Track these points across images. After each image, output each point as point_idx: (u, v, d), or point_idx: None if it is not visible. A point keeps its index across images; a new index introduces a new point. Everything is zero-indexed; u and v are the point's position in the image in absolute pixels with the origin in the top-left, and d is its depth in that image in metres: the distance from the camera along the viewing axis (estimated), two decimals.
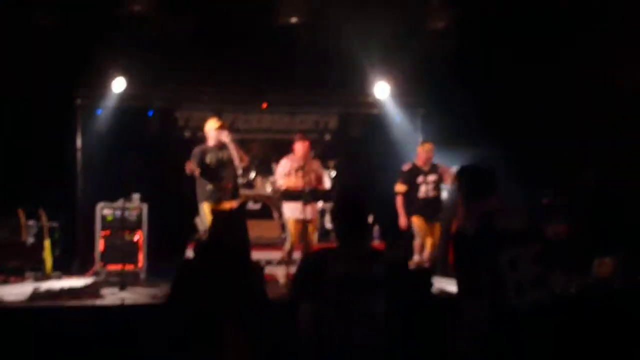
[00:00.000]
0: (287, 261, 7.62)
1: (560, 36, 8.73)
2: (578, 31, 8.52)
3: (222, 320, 3.66)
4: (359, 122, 11.10)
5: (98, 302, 6.47)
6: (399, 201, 8.37)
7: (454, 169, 8.65)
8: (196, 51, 9.27)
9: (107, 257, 8.45)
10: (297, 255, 7.59)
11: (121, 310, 6.18)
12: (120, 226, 8.55)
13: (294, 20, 8.73)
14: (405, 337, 3.37)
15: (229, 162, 7.56)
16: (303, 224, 7.59)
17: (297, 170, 7.66)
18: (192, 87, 10.17)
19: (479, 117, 9.54)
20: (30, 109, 9.16)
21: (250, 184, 9.59)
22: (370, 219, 8.20)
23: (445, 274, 7.70)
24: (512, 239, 3.39)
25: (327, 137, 11.39)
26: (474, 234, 3.44)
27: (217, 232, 4.16)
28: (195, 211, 8.91)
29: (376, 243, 9.14)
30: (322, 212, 9.11)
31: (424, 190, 8.38)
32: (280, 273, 7.85)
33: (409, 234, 8.46)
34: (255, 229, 8.58)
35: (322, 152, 10.16)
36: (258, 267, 4.42)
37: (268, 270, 8.36)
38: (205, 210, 7.41)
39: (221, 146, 7.62)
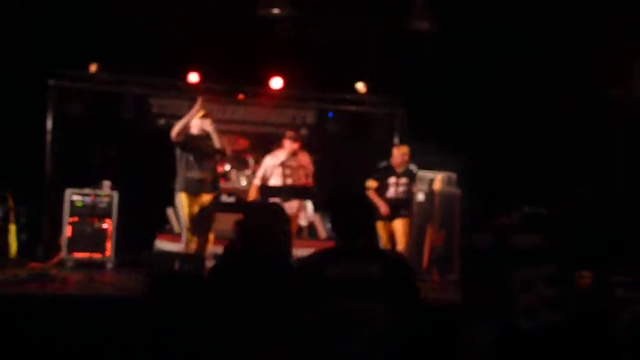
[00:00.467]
0: None
1: (553, 38, 8.54)
2: (571, 34, 8.38)
3: (255, 324, 3.34)
4: (337, 118, 10.97)
5: (65, 290, 6.30)
6: (371, 195, 8.24)
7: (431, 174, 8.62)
8: (173, 39, 9.07)
9: (74, 245, 8.27)
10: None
11: (89, 300, 6.02)
12: (90, 213, 8.37)
13: (275, 12, 8.57)
14: (409, 347, 3.08)
15: (210, 153, 7.34)
16: None
17: (283, 167, 7.52)
18: (169, 74, 9.95)
19: (462, 120, 9.47)
20: None
21: (225, 177, 9.41)
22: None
23: (419, 279, 7.60)
24: (527, 258, 3.19)
25: (304, 132, 11.24)
26: (487, 250, 3.24)
27: (253, 228, 3.71)
28: (166, 201, 8.77)
29: None
30: None
31: (392, 191, 8.34)
32: None
33: None
34: (227, 223, 8.44)
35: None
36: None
37: None
38: (182, 201, 7.15)
39: (203, 135, 7.40)
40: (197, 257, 6.68)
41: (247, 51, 9.39)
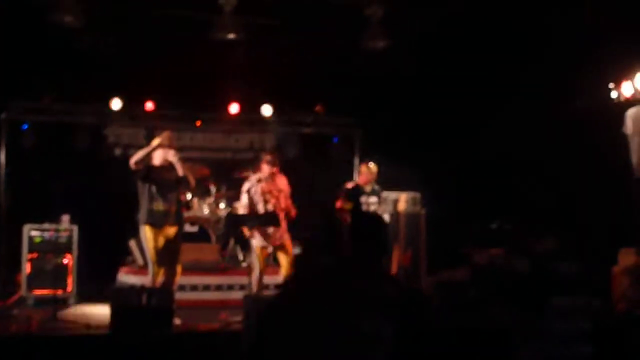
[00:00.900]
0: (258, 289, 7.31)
1: (505, 53, 8.57)
2: (519, 49, 8.49)
3: None
4: (295, 142, 10.93)
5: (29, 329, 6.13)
6: (345, 215, 8.12)
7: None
8: (128, 66, 8.96)
9: (33, 281, 8.10)
10: (268, 279, 7.45)
11: (55, 340, 5.86)
12: (49, 249, 8.21)
13: (231, 36, 8.53)
14: None
15: (174, 184, 7.16)
16: (269, 250, 7.41)
17: (263, 193, 7.39)
18: (124, 103, 9.80)
19: (421, 137, 9.54)
20: None
21: (187, 206, 9.25)
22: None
23: None
24: (565, 286, 3.16)
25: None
26: (527, 273, 3.18)
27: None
28: (127, 233, 8.60)
29: None
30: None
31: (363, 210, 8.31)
32: None
33: None
34: (192, 253, 8.34)
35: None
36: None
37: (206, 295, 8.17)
38: (147, 234, 6.94)
39: (167, 166, 7.14)
40: (165, 290, 6.54)
41: (203, 77, 9.32)
